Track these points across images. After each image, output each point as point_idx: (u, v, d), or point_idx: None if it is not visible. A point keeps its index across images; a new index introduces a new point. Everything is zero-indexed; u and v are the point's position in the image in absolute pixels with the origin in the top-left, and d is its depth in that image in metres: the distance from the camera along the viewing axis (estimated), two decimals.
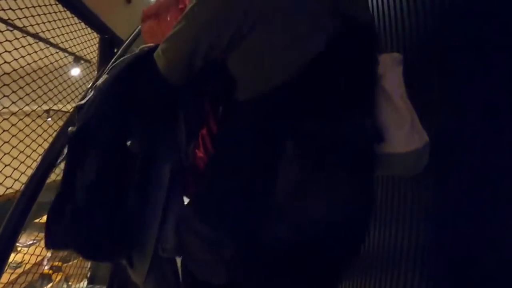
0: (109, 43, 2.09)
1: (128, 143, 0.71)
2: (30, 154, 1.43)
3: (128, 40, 1.85)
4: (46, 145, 1.43)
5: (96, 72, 2.12)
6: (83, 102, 0.75)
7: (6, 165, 1.29)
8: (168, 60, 0.66)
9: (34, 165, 1.33)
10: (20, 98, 1.38)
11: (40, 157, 1.14)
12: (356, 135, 0.66)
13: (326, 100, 0.64)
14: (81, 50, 1.96)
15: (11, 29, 1.46)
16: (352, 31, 0.65)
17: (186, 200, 0.76)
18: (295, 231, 0.60)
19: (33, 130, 1.46)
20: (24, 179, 1.34)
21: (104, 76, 0.74)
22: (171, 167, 0.71)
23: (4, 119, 1.30)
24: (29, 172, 1.30)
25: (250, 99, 0.66)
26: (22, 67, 1.42)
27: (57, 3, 1.58)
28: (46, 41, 1.71)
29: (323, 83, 0.64)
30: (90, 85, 0.78)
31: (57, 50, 1.85)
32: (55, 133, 1.60)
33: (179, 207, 0.73)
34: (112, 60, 1.65)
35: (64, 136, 1.03)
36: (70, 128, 0.72)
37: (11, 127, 1.30)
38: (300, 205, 0.61)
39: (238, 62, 0.66)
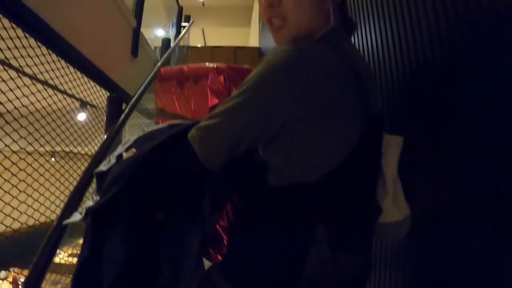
0: (117, 100, 2.25)
1: (159, 215, 0.73)
2: (32, 193, 1.51)
3: (135, 97, 2.02)
4: (48, 184, 1.59)
5: (104, 122, 2.24)
6: (104, 169, 0.74)
7: (6, 203, 1.37)
8: (206, 148, 0.65)
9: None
10: (21, 137, 1.48)
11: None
12: (369, 217, 0.76)
13: (353, 191, 0.70)
14: (88, 96, 2.06)
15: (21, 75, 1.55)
16: (374, 128, 0.71)
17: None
18: None
19: (35, 170, 1.56)
20: (24, 218, 1.42)
21: (132, 150, 0.74)
22: (201, 239, 0.73)
23: (6, 157, 1.39)
24: (30, 210, 1.41)
25: (282, 185, 0.68)
26: (31, 111, 1.54)
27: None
28: (55, 87, 1.84)
29: (352, 177, 0.68)
30: (110, 153, 0.77)
31: (65, 96, 1.99)
32: (56, 173, 1.71)
33: (200, 271, 0.76)
34: (122, 117, 1.79)
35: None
36: (95, 199, 0.72)
37: (15, 163, 1.41)
38: (325, 281, 0.66)
39: (276, 155, 0.68)
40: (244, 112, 0.64)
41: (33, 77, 1.61)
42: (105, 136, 1.64)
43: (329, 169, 0.65)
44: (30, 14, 1.38)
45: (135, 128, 2.92)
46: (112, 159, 0.76)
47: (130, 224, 0.70)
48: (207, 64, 0.98)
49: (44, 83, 1.69)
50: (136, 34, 2.72)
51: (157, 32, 5.27)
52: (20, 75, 1.49)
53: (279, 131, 0.64)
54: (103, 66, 2.04)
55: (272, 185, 0.69)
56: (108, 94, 2.32)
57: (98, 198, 0.71)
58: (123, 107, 2.14)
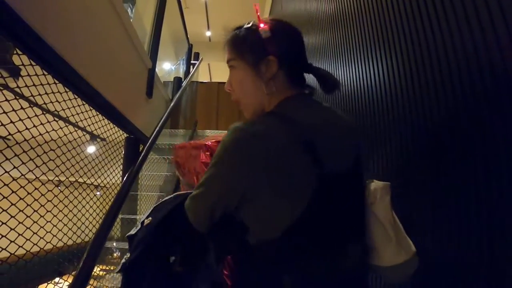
0: (134, 141, 2.36)
1: (178, 268, 0.89)
2: (38, 219, 1.56)
3: (151, 138, 2.09)
4: (56, 211, 1.65)
5: (122, 162, 2.30)
6: (133, 233, 0.94)
7: (12, 229, 1.40)
8: (193, 215, 0.82)
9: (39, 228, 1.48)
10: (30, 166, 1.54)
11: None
12: (350, 263, 0.80)
13: (320, 239, 0.77)
14: (97, 129, 2.12)
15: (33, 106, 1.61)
16: (335, 180, 0.77)
17: None
18: None
19: (42, 195, 1.59)
20: (28, 245, 1.45)
21: (149, 218, 0.94)
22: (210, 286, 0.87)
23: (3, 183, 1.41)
24: (35, 238, 1.45)
25: (258, 243, 0.77)
26: (40, 142, 1.61)
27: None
28: (66, 120, 1.88)
29: (311, 228, 0.75)
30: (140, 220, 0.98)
31: (76, 129, 2.04)
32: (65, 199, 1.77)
33: None
34: (140, 159, 1.87)
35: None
36: (123, 261, 0.91)
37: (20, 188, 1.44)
38: None
39: (246, 216, 0.78)
40: (214, 186, 0.78)
41: (48, 111, 1.68)
42: (125, 177, 1.70)
43: (286, 226, 0.73)
44: (62, 63, 1.47)
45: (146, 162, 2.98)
46: (139, 224, 0.95)
47: (153, 275, 0.88)
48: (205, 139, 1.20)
49: (59, 116, 1.78)
50: (152, 75, 2.83)
51: (165, 67, 5.44)
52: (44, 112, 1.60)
53: (241, 199, 0.75)
54: (122, 109, 2.13)
55: (250, 243, 0.78)
56: (123, 133, 2.39)
57: (129, 256, 0.89)
58: (140, 148, 2.22)
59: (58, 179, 1.81)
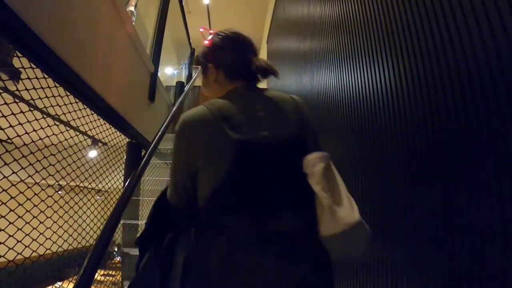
0: (136, 146, 2.37)
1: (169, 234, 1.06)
2: (38, 226, 1.54)
3: (153, 143, 2.07)
4: (56, 216, 1.65)
5: (124, 167, 2.29)
6: (138, 235, 1.10)
7: (10, 235, 1.37)
8: (169, 192, 1.04)
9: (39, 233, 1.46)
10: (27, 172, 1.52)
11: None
12: (281, 228, 0.89)
13: (243, 201, 0.91)
14: (99, 133, 2.12)
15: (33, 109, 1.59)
16: (254, 146, 0.93)
17: None
18: None
19: (42, 200, 1.58)
20: (30, 249, 1.43)
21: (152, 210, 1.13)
22: (185, 256, 0.99)
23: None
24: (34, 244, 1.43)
25: (200, 209, 0.96)
26: (44, 146, 1.60)
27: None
28: (67, 124, 1.91)
29: (237, 189, 0.91)
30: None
31: (77, 133, 2.04)
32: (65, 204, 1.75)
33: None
34: (141, 164, 1.85)
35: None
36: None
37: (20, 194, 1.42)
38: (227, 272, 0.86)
39: (197, 185, 0.97)
40: (172, 169, 1.02)
41: (49, 115, 1.67)
42: (127, 182, 1.67)
43: (215, 189, 0.91)
44: (63, 65, 1.45)
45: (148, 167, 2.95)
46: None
47: (157, 241, 1.04)
48: None
49: (59, 120, 1.79)
50: (154, 79, 2.81)
51: (167, 71, 5.43)
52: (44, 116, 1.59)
53: (192, 170, 0.96)
54: (124, 113, 2.10)
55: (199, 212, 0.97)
56: (125, 138, 2.37)
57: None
58: (142, 153, 2.19)
59: (58, 184, 1.82)
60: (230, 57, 1.11)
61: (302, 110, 1.07)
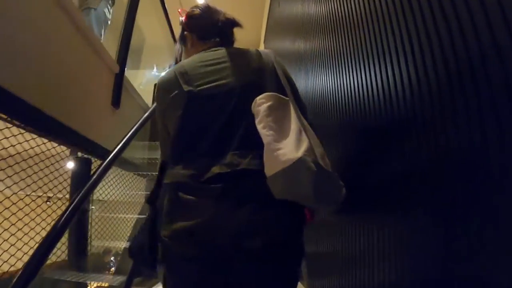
0: (84, 162, 2.11)
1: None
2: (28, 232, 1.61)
3: (112, 154, 1.75)
4: (44, 224, 1.65)
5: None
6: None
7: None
8: (160, 150, 1.15)
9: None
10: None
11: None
12: (223, 168, 0.89)
13: (193, 144, 0.96)
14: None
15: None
16: (206, 96, 0.98)
17: None
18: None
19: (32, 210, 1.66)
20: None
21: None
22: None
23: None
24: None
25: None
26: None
27: None
28: None
29: (188, 133, 0.98)
30: None
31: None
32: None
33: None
34: (94, 178, 1.54)
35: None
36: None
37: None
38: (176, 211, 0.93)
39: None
40: (156, 116, 1.14)
41: None
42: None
43: (173, 135, 1.00)
44: None
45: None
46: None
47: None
48: None
49: None
50: (119, 82, 2.45)
51: (158, 73, 5.11)
52: None
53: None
54: (72, 123, 1.77)
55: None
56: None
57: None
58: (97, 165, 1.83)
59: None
60: (200, 21, 1.22)
61: (262, 58, 1.10)
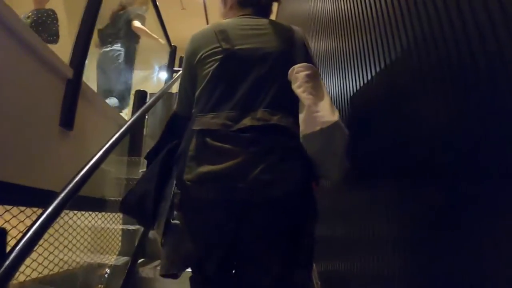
0: None
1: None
2: None
3: (61, 196, 0.99)
4: None
5: None
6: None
7: None
8: (176, 104, 1.25)
9: None
10: None
11: None
12: (253, 121, 0.97)
13: (224, 96, 1.04)
14: None
15: None
16: (242, 54, 1.07)
17: None
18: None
19: None
20: None
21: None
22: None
23: None
24: None
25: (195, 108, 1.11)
26: None
27: None
28: None
29: (221, 84, 1.05)
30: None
31: None
32: None
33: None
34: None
35: None
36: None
37: None
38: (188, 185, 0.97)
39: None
40: (179, 85, 1.23)
41: None
42: None
43: (199, 91, 1.09)
44: None
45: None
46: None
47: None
48: None
49: None
50: (73, 91, 1.74)
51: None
52: None
53: (194, 79, 1.14)
54: None
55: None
56: None
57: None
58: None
59: None
60: None
61: (295, 33, 1.15)
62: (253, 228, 0.95)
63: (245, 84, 1.01)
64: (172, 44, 4.06)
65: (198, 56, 1.08)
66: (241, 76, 1.02)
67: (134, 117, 2.08)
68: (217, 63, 1.03)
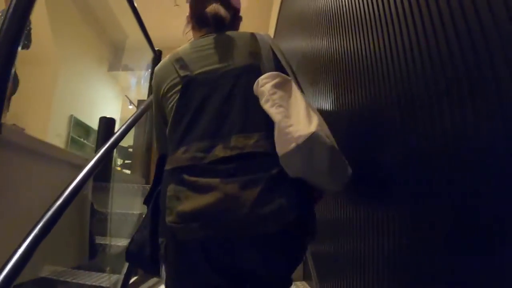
0: None
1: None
2: None
3: None
4: None
5: None
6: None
7: None
8: (156, 145, 1.16)
9: None
10: None
11: None
12: (227, 151, 0.87)
13: (193, 126, 0.95)
14: None
15: None
16: (203, 79, 0.98)
17: None
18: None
19: None
20: None
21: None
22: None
23: None
24: None
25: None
26: None
27: None
28: None
29: (187, 115, 0.97)
30: None
31: None
32: None
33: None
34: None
35: None
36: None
37: None
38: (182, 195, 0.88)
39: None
40: (154, 124, 1.18)
41: None
42: None
43: (170, 126, 1.01)
44: None
45: None
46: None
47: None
48: None
49: None
50: None
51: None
52: None
53: (162, 109, 1.09)
54: None
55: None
56: None
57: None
58: None
59: None
60: (194, 8, 1.18)
61: (258, 41, 1.06)
62: (248, 266, 0.88)
63: (210, 108, 0.93)
64: (157, 49, 3.31)
65: (162, 91, 1.05)
66: (205, 102, 0.95)
67: (101, 151, 1.50)
68: (179, 94, 0.98)
